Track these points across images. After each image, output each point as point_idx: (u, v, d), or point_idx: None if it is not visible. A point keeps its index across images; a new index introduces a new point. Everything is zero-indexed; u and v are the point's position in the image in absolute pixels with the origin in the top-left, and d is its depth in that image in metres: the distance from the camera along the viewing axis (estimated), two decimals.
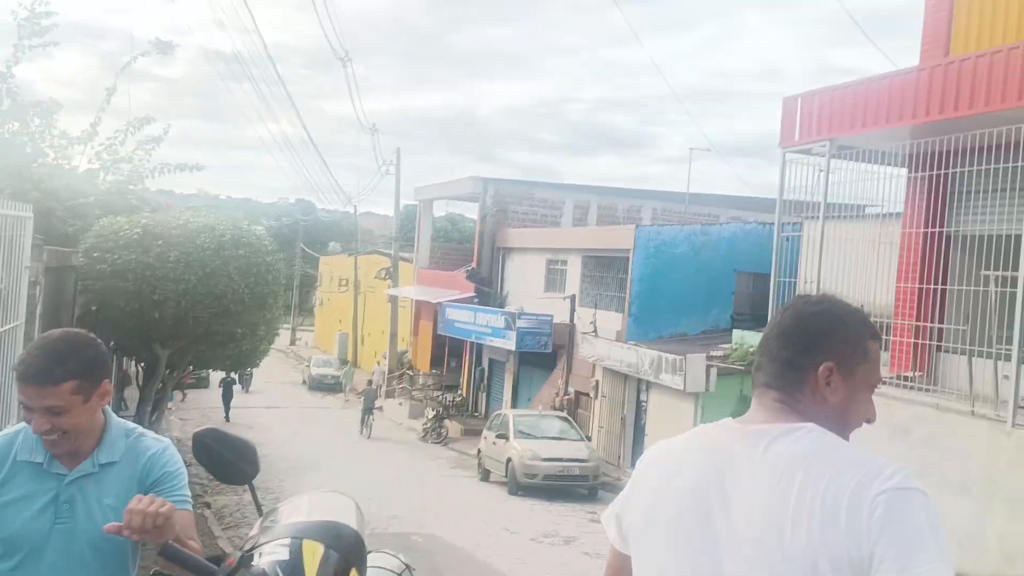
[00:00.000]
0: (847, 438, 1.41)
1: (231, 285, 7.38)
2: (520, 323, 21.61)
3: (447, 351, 28.03)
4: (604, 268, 21.52)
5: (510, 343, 21.88)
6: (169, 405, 24.56)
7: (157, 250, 7.19)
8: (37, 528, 1.94)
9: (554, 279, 23.27)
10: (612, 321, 20.11)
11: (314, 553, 1.63)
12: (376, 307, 34.52)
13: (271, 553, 1.63)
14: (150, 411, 8.53)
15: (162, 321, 7.43)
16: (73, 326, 9.26)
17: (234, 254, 7.42)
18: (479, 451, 17.40)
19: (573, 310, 20.99)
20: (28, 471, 1.98)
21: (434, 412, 22.96)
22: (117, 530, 1.75)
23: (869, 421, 1.46)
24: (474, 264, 25.74)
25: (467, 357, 26.69)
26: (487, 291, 25.09)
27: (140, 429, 2.22)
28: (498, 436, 16.83)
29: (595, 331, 20.19)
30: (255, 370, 13.25)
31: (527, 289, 23.97)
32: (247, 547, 1.74)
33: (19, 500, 1.95)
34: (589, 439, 18.39)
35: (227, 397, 23.46)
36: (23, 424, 1.99)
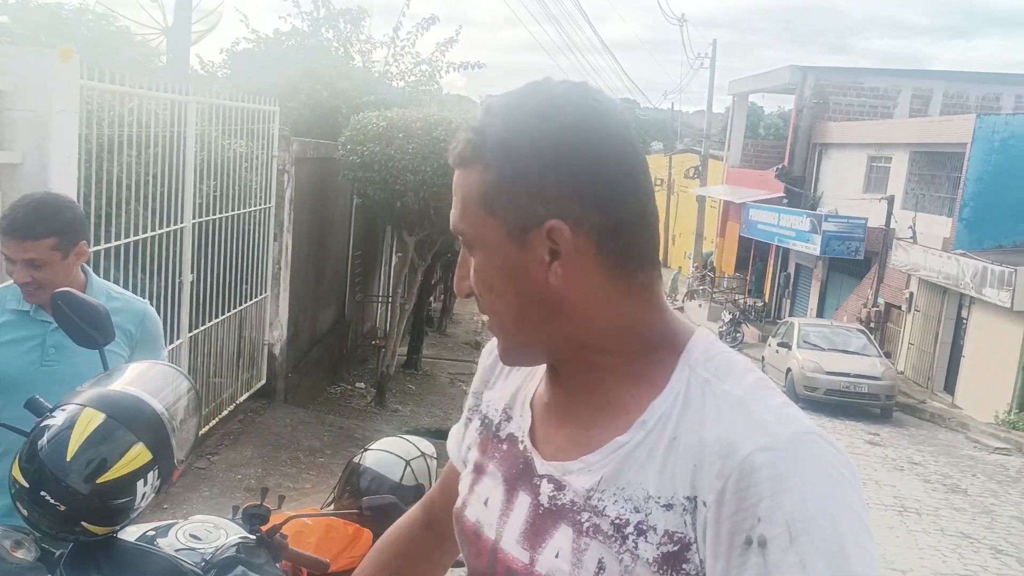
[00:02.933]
0: None
1: None
2: (827, 226, 19.83)
3: (753, 254, 26.78)
4: (937, 166, 18.81)
5: (814, 248, 20.25)
6: None
7: (398, 142, 7.60)
8: (24, 368, 2.15)
9: (875, 179, 20.87)
10: (939, 226, 17.64)
11: (89, 422, 1.49)
12: (687, 207, 33.82)
13: (51, 418, 1.52)
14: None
15: (404, 210, 7.93)
16: (352, 214, 10.29)
17: None
18: (763, 358, 16.58)
19: (890, 213, 18.77)
20: (17, 318, 2.22)
21: (730, 316, 22.22)
22: None
23: None
24: (785, 162, 23.91)
25: (772, 261, 25.30)
26: (798, 192, 23.27)
27: (120, 289, 2.40)
28: (780, 344, 15.90)
29: (914, 237, 17.93)
30: None
31: (843, 190, 21.82)
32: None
33: (8, 343, 2.18)
34: (889, 355, 16.64)
35: None
36: (11, 281, 2.23)
